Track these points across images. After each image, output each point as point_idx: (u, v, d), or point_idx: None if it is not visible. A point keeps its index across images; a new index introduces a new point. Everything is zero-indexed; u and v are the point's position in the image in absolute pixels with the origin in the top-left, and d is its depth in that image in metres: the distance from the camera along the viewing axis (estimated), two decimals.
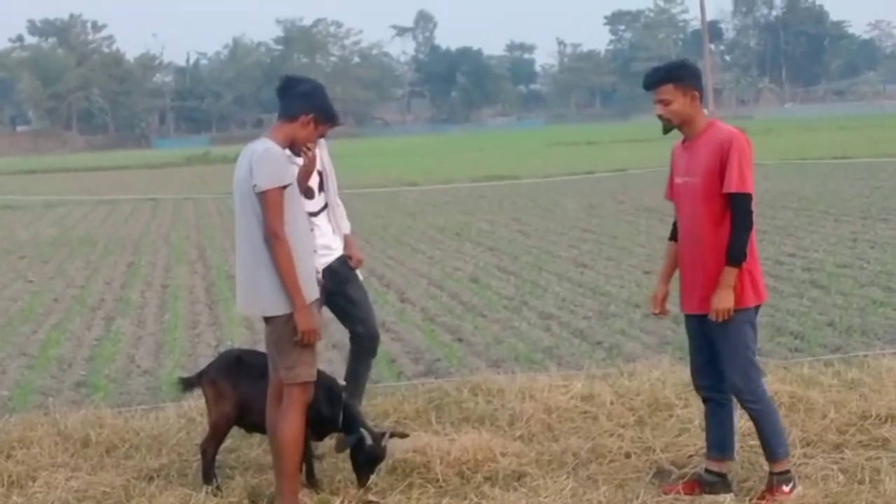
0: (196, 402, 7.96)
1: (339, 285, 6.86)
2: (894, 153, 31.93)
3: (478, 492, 6.05)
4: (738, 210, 5.68)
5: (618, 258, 16.39)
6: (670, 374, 8.12)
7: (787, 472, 5.87)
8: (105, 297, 14.99)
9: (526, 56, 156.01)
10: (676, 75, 5.87)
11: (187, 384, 6.70)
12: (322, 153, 6.93)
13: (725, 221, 5.72)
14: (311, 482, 6.25)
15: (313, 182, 6.90)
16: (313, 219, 6.76)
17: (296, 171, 6.16)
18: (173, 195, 33.47)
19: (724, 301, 5.68)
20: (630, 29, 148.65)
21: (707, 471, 6.07)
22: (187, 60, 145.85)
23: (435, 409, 7.63)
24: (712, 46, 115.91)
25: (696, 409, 7.30)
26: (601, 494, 5.86)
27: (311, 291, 5.77)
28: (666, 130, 5.99)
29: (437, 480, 6.24)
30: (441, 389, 8.18)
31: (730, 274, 5.67)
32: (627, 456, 6.60)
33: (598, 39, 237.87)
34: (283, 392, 5.80)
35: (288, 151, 5.93)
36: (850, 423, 6.93)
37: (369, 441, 6.12)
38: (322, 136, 6.13)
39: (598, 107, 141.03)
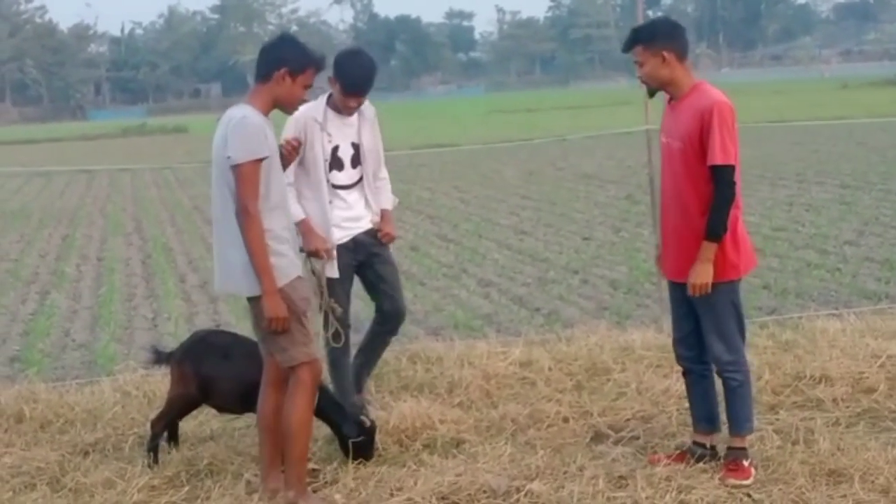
0: (131, 376, 7.89)
1: (368, 258, 6.74)
2: (830, 117, 32.25)
3: (416, 459, 6.04)
4: (719, 182, 5.34)
5: (557, 225, 16.46)
6: (608, 339, 8.17)
7: (745, 449, 5.66)
8: (40, 271, 14.81)
9: (465, 24, 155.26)
10: (644, 36, 5.51)
11: (158, 358, 6.44)
12: (362, 125, 6.67)
13: (709, 190, 5.37)
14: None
15: (346, 155, 6.63)
16: (343, 192, 6.61)
17: (277, 142, 5.55)
18: (109, 167, 33.03)
19: (701, 276, 5.40)
20: None
21: (695, 443, 5.88)
22: (122, 30, 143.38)
23: (374, 377, 7.60)
24: (650, 12, 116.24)
25: (632, 374, 7.36)
26: (539, 459, 5.87)
27: (292, 269, 5.40)
28: (650, 93, 5.70)
29: (376, 449, 6.23)
30: (380, 358, 8.14)
31: (709, 249, 5.37)
32: (565, 420, 6.62)
33: (536, 6, 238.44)
34: (279, 376, 5.50)
35: (268, 119, 5.48)
36: (785, 384, 7.00)
37: (367, 423, 6.08)
38: (309, 85, 5.62)
39: (537, 74, 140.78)
